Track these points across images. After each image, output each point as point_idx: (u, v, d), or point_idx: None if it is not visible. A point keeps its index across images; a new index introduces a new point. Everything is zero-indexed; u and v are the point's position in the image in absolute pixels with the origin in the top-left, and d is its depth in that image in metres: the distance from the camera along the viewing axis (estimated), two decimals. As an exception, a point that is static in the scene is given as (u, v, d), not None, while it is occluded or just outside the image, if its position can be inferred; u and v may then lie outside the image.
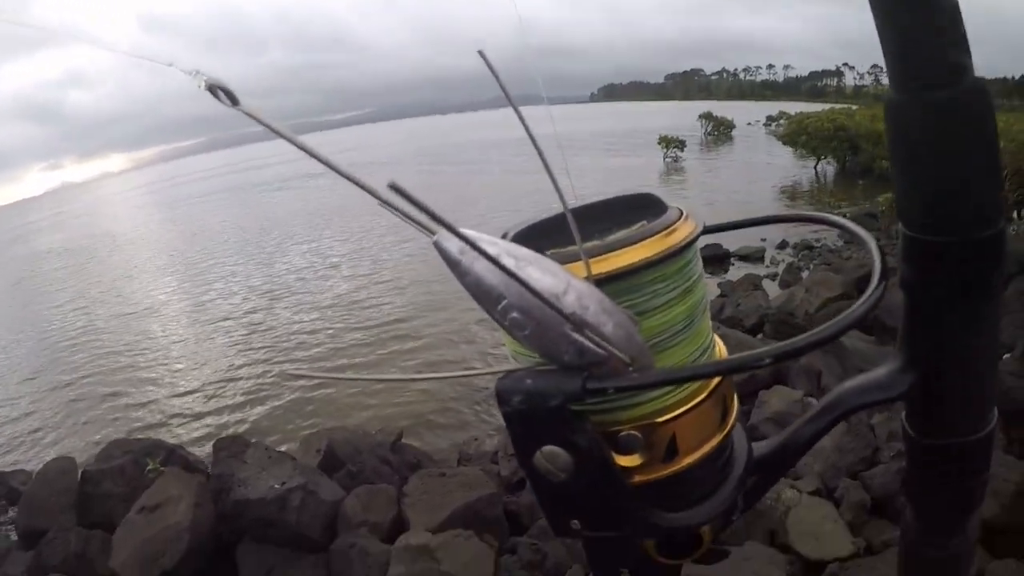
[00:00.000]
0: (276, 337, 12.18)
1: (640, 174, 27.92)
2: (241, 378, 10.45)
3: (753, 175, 25.77)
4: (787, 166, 26.59)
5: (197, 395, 10.22)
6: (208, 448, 7.67)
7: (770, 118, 45.54)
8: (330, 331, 12.15)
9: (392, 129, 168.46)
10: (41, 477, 6.91)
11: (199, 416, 9.39)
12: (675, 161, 32.29)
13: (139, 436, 7.36)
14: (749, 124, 47.64)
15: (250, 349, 11.79)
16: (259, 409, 9.24)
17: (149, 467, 6.03)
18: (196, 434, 8.72)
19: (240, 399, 9.68)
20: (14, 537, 6.73)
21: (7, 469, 8.41)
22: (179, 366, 11.63)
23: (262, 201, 35.07)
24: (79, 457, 6.91)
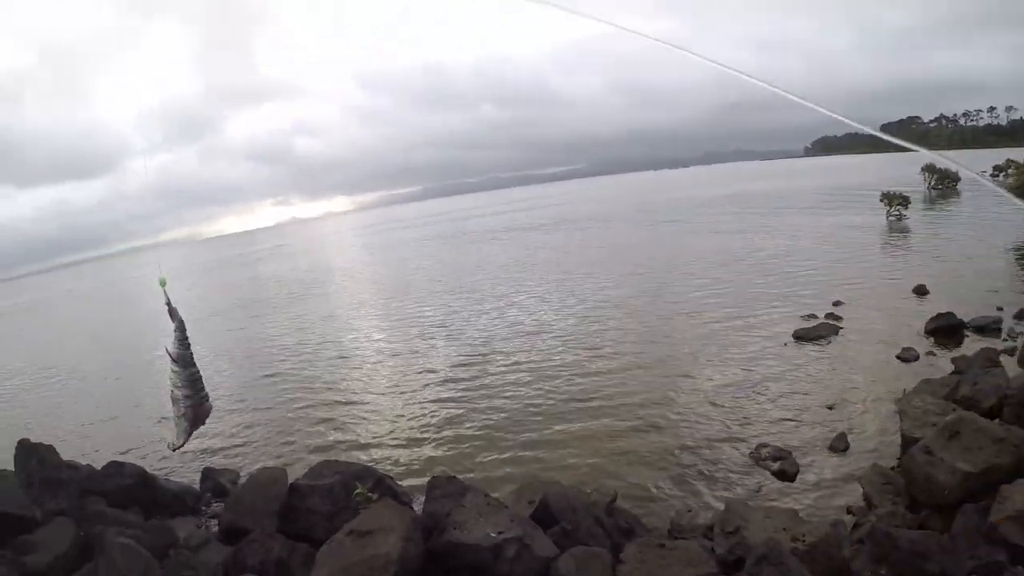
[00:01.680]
0: (486, 383, 12.63)
1: (861, 235, 25.83)
2: (451, 418, 10.90)
3: (982, 233, 22.91)
4: (1021, 223, 23.35)
5: (405, 429, 10.74)
6: (412, 482, 8.21)
7: (997, 168, 39.63)
8: (546, 380, 12.27)
9: (603, 184, 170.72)
10: (252, 481, 7.61)
11: (405, 447, 9.99)
12: (898, 219, 29.29)
13: (347, 460, 7.78)
14: (980, 174, 41.54)
15: (458, 391, 12.37)
16: (467, 450, 9.56)
17: (357, 491, 6.42)
18: (400, 467, 9.22)
19: (449, 437, 10.10)
20: (215, 529, 7.47)
21: (217, 466, 9.66)
22: (389, 401, 12.45)
23: (472, 250, 37.22)
24: (288, 470, 7.56)
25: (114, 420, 13.72)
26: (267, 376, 15.39)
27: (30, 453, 10.20)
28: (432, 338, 16.94)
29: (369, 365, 15.24)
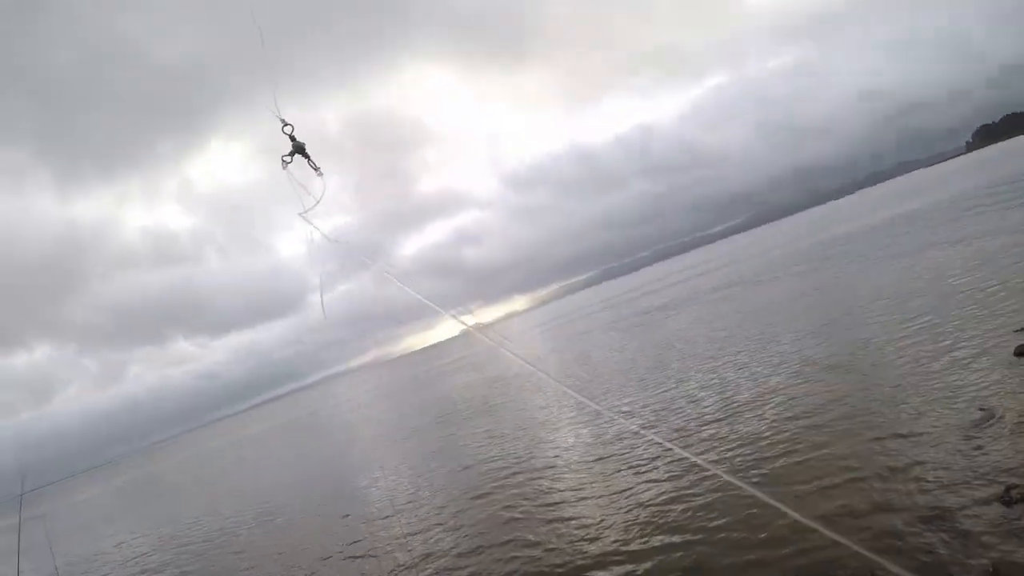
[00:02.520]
0: (697, 484, 11.11)
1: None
2: (669, 525, 9.59)
3: None
4: None
5: (616, 556, 9.41)
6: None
7: None
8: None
9: (769, 234, 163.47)
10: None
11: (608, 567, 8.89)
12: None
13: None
14: None
15: (667, 496, 10.94)
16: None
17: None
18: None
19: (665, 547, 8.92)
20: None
21: None
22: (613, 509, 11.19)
23: (654, 330, 35.41)
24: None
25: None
26: (475, 497, 14.84)
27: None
28: (629, 437, 15.53)
29: (578, 473, 14.13)
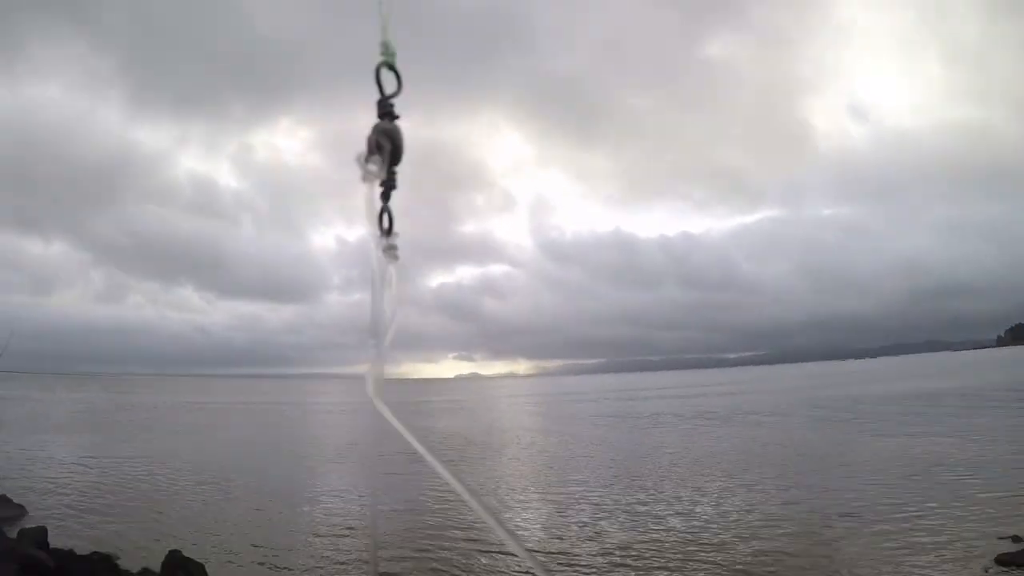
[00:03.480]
0: None
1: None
2: None
3: None
4: None
5: None
6: None
7: None
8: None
9: (785, 374, 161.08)
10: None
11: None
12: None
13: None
14: None
15: None
16: None
17: None
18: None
19: None
20: None
21: None
22: None
23: (643, 435, 34.84)
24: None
25: (264, 550, 13.45)
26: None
27: (179, 566, 10.14)
28: (587, 525, 15.37)
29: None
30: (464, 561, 12.31)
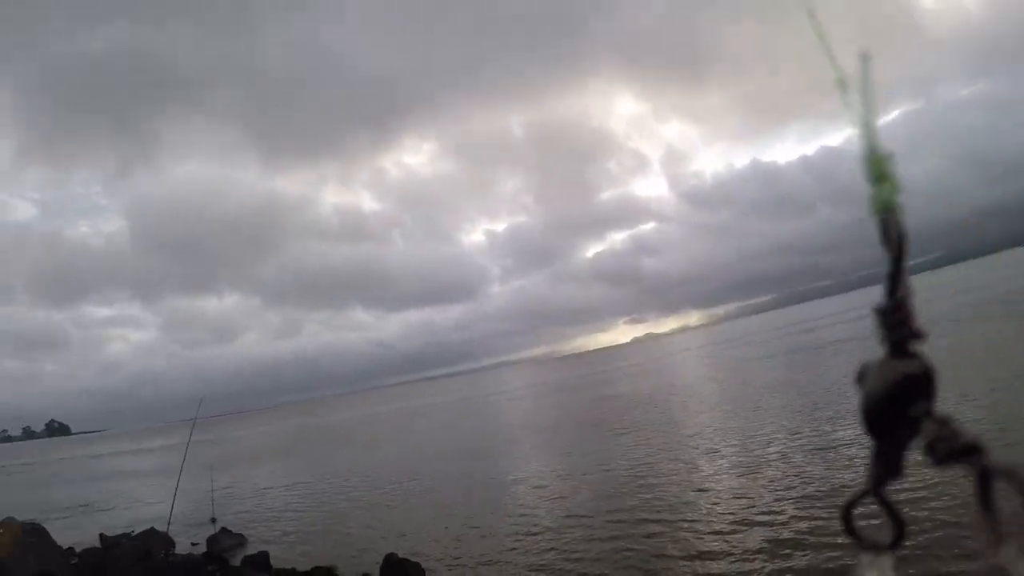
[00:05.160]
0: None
1: None
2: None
3: None
4: None
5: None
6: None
7: None
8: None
9: (964, 272, 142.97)
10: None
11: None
12: None
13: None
14: None
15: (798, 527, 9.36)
16: None
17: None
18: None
19: None
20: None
21: None
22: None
23: (821, 369, 31.38)
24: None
25: (476, 542, 12.71)
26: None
27: (398, 569, 9.48)
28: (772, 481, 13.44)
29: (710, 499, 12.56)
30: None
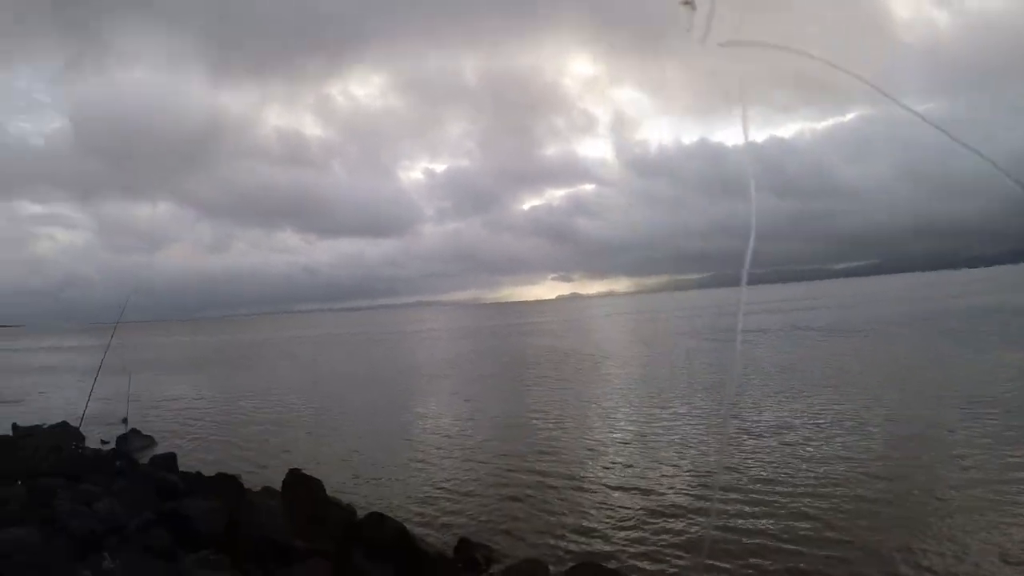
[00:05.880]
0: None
1: None
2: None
3: None
4: None
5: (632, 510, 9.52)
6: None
7: None
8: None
9: (893, 284, 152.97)
10: (513, 571, 6.97)
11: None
12: None
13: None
14: None
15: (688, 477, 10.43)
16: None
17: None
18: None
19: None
20: None
21: (478, 541, 8.68)
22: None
23: (743, 350, 31.85)
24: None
25: (377, 465, 13.63)
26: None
27: (300, 483, 10.22)
28: (648, 439, 14.70)
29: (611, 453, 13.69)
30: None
